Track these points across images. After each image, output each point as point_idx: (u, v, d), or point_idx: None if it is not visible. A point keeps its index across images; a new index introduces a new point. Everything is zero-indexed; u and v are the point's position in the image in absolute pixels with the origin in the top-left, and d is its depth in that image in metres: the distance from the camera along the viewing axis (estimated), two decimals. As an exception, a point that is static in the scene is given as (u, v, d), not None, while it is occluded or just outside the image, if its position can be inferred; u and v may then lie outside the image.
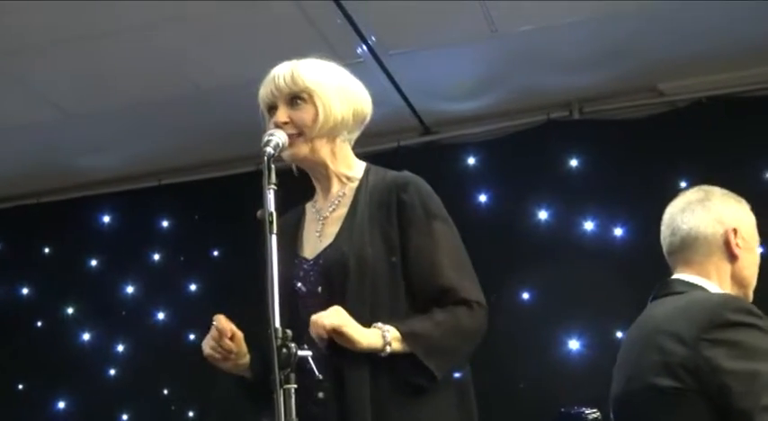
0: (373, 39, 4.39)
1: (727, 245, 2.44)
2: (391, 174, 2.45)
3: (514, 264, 4.93)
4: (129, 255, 5.70)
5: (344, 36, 4.30)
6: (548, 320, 4.77)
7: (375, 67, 4.59)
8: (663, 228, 2.56)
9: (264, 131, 2.32)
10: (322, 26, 4.23)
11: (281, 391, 1.74)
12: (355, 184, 2.45)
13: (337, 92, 2.42)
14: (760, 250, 4.58)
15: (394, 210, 2.33)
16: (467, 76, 4.84)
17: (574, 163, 5.02)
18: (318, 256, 2.37)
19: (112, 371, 5.57)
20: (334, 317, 2.14)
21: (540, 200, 5.01)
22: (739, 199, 2.55)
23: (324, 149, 2.43)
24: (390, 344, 2.17)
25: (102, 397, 5.49)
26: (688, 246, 2.47)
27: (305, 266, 2.37)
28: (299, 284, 2.36)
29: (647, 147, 4.85)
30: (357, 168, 2.49)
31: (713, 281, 2.43)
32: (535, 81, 4.90)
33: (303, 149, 2.39)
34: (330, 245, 2.37)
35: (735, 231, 2.44)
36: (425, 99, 5.05)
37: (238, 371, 2.33)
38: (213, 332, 2.24)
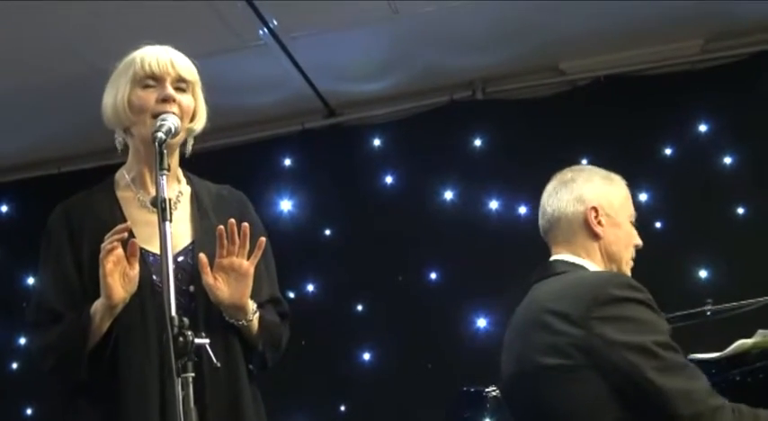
0: (275, 22, 4.34)
1: (586, 223, 2.47)
2: (214, 185, 2.53)
3: (421, 244, 4.96)
4: (28, 245, 5.51)
5: (246, 19, 4.24)
6: (455, 299, 4.81)
7: (277, 49, 4.55)
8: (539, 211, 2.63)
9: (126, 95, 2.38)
10: (223, 8, 4.16)
11: (179, 380, 1.71)
12: (185, 185, 2.48)
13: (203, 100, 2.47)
14: (659, 224, 4.72)
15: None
16: (370, 57, 4.83)
17: (478, 143, 5.07)
18: (179, 254, 2.33)
19: (15, 365, 5.43)
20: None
21: (446, 180, 5.05)
22: (607, 175, 2.57)
23: (180, 143, 2.42)
24: (253, 318, 2.34)
25: (5, 391, 5.34)
26: (554, 227, 2.55)
27: (159, 261, 2.24)
28: (156, 278, 2.28)
29: (549, 126, 4.92)
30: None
31: (585, 258, 2.46)
32: (438, 61, 4.92)
33: (182, 135, 2.38)
34: (192, 247, 2.36)
35: (594, 210, 2.47)
36: (329, 81, 5.02)
37: (117, 298, 2.24)
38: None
